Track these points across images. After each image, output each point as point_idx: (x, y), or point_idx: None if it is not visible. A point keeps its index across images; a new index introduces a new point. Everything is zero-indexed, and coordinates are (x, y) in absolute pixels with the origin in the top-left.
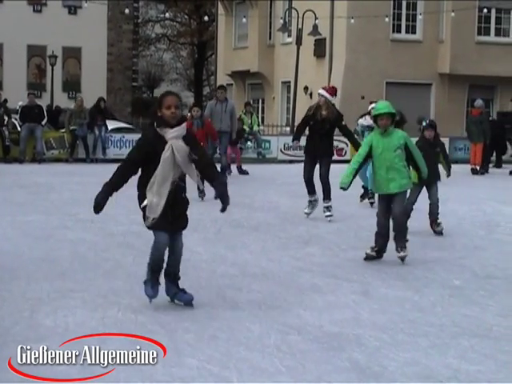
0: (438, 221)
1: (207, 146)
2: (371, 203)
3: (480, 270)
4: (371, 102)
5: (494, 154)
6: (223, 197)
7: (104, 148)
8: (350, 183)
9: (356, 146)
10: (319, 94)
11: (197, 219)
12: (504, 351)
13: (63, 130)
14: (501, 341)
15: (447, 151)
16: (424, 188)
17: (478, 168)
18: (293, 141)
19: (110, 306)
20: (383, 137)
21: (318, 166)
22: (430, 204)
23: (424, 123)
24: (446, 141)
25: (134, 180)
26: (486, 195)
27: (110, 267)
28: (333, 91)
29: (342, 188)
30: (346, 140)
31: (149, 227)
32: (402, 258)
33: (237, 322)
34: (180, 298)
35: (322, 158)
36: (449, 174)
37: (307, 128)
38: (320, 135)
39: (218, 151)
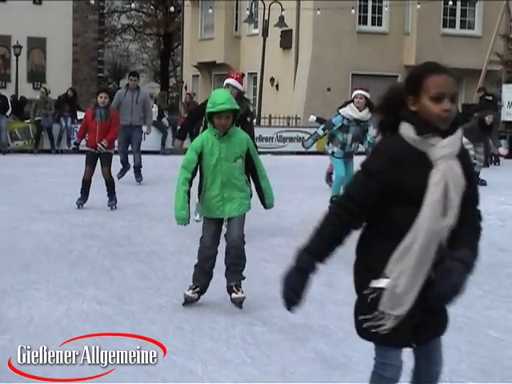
0: None
1: (113, 145)
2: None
3: None
4: (356, 89)
5: None
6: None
7: (69, 138)
8: (187, 215)
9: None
10: (229, 84)
11: (163, 210)
12: (467, 341)
13: (28, 121)
14: (464, 331)
15: None
16: None
17: None
18: (178, 138)
19: (75, 297)
20: (221, 141)
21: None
22: None
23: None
24: None
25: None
26: None
27: (74, 258)
28: (241, 79)
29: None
30: (311, 131)
31: (370, 338)
32: (240, 302)
33: (202, 313)
34: None
35: None
36: None
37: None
38: None
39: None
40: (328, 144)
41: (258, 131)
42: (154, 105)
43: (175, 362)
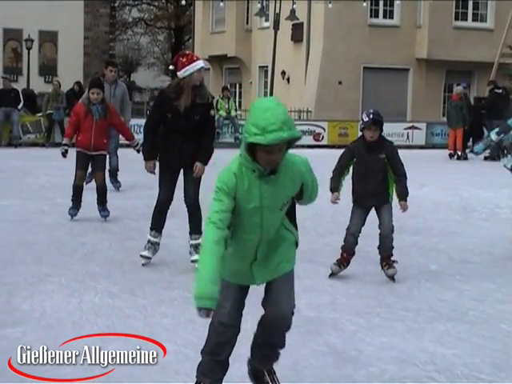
0: (393, 258)
1: (109, 145)
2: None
3: (456, 255)
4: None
5: (471, 140)
6: None
7: None
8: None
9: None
10: (203, 68)
11: (175, 205)
12: (479, 335)
13: (40, 114)
14: (476, 325)
15: (400, 159)
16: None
17: (460, 153)
18: (146, 160)
19: (87, 290)
20: (264, 182)
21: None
22: (380, 234)
23: (366, 118)
24: (423, 126)
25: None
26: (463, 180)
27: (86, 252)
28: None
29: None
30: (322, 124)
31: None
32: None
33: None
34: None
35: (188, 168)
36: (402, 201)
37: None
38: (184, 134)
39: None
40: (506, 155)
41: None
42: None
43: (187, 355)
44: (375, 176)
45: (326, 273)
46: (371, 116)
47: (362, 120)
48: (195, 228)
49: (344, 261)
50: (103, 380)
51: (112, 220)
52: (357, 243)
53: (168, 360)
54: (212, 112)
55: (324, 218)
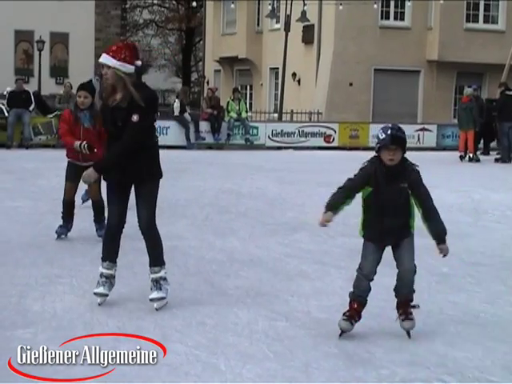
0: (412, 303)
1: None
2: None
3: (467, 257)
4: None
5: (482, 141)
6: None
7: None
8: None
9: None
10: (101, 64)
11: (185, 205)
12: (491, 338)
13: (51, 116)
14: (487, 327)
15: (425, 189)
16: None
17: (472, 155)
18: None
19: None
20: None
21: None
22: (398, 273)
23: (382, 135)
24: (434, 128)
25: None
26: (474, 182)
27: (97, 253)
28: (124, 51)
29: None
30: (333, 126)
31: None
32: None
33: (224, 308)
34: None
35: (137, 185)
36: (441, 243)
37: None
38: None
39: None
40: None
41: (280, 126)
42: (176, 100)
43: (198, 357)
44: (395, 211)
45: (336, 274)
46: (389, 132)
47: (378, 138)
48: (154, 258)
49: (355, 314)
50: (112, 379)
51: None
52: (370, 289)
53: (179, 361)
54: (135, 117)
55: (335, 220)
